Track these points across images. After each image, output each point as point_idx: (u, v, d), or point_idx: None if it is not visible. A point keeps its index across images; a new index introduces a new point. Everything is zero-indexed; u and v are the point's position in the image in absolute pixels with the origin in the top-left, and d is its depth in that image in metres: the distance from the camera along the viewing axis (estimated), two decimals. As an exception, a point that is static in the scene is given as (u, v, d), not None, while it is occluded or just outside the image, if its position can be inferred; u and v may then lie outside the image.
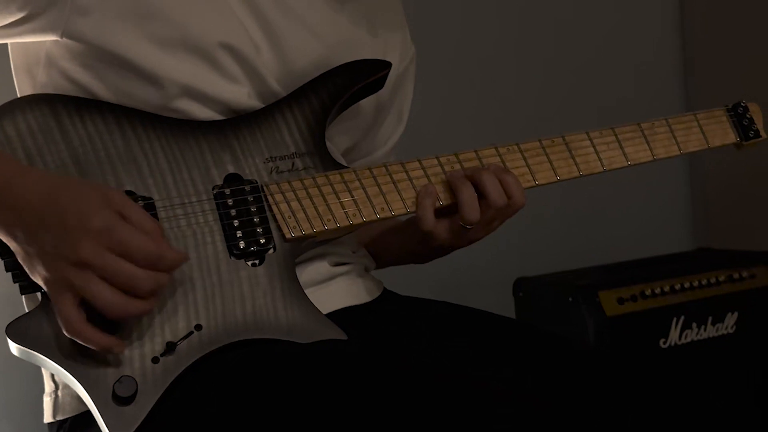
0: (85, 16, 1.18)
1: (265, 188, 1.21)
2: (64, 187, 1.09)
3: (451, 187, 1.29)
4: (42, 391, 1.29)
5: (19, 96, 1.26)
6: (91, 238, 1.05)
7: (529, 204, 1.32)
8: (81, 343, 1.08)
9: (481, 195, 1.27)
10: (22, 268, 1.10)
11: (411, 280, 1.57)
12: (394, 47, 1.42)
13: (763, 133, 1.50)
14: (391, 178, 1.27)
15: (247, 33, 1.25)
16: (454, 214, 1.28)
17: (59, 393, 1.23)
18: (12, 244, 1.09)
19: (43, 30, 1.19)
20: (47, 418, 1.26)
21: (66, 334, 1.08)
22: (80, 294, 1.06)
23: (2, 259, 1.12)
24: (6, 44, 1.26)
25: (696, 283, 2.15)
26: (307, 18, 1.30)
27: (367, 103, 1.35)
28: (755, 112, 1.50)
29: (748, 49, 2.68)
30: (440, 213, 1.28)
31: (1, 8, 1.16)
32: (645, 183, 2.51)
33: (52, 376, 1.24)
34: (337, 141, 1.35)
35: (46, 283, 1.08)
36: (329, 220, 1.23)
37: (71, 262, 1.05)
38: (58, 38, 1.19)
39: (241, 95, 1.25)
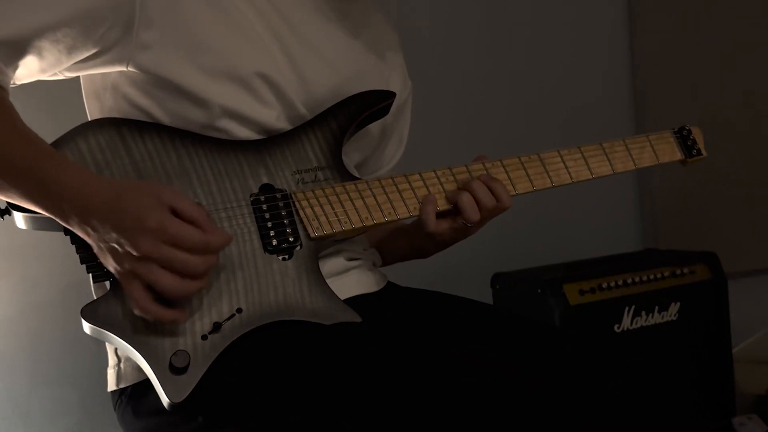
0: (146, 51, 1.19)
1: (293, 196, 1.23)
2: (124, 191, 1.10)
3: (449, 197, 1.30)
4: (102, 364, 1.30)
5: (89, 118, 1.29)
6: (148, 236, 1.06)
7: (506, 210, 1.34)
8: (150, 318, 1.09)
9: (475, 200, 1.29)
10: (95, 260, 1.12)
11: (407, 274, 1.56)
12: (395, 79, 1.44)
13: (704, 152, 1.51)
14: (397, 187, 1.29)
15: (277, 64, 1.26)
16: (454, 216, 1.31)
17: (121, 365, 1.25)
18: (88, 240, 1.11)
19: (112, 62, 1.21)
20: (111, 386, 1.27)
21: (136, 313, 1.09)
22: (145, 281, 1.08)
23: (78, 253, 1.13)
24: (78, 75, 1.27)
25: (645, 278, 2.15)
26: (325, 52, 1.32)
27: (375, 127, 1.38)
28: (697, 134, 1.52)
29: (689, 77, 2.70)
30: (441, 216, 1.30)
31: (80, 45, 1.18)
32: (601, 194, 2.51)
33: (116, 350, 1.26)
34: (351, 157, 1.37)
35: (117, 273, 1.10)
36: (346, 222, 1.24)
37: (134, 257, 1.07)
38: (124, 69, 1.20)
39: (271, 117, 1.26)
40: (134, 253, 1.07)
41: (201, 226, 1.10)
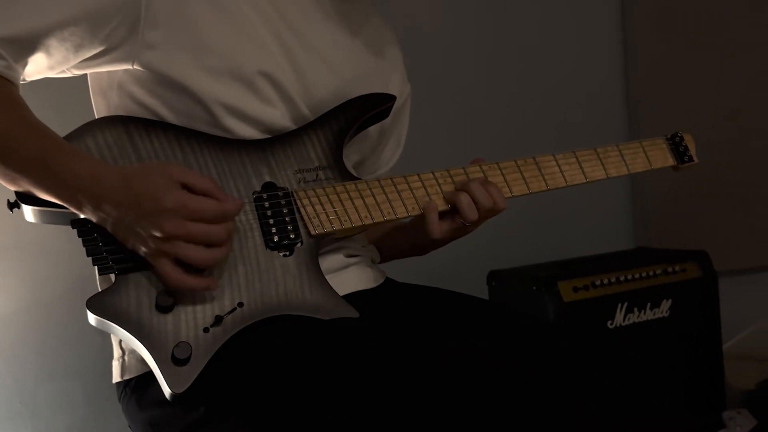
0: (152, 50, 1.20)
1: (294, 194, 1.24)
2: (133, 176, 1.12)
3: (447, 197, 1.31)
4: (107, 358, 1.31)
5: (96, 115, 1.29)
6: (169, 216, 1.09)
7: (502, 210, 1.33)
8: (186, 290, 1.12)
9: (473, 200, 1.30)
10: (102, 254, 1.13)
11: (404, 271, 1.56)
12: (394, 83, 1.44)
13: (695, 158, 1.51)
14: (396, 188, 1.30)
15: (279, 64, 1.26)
16: (453, 217, 1.31)
17: (126, 357, 1.25)
18: (107, 227, 1.13)
19: (118, 61, 1.21)
20: (116, 378, 1.27)
21: (172, 286, 1.12)
22: (174, 257, 1.11)
23: (84, 246, 1.13)
24: (85, 73, 1.28)
25: (637, 276, 2.17)
26: (327, 54, 1.32)
27: (373, 128, 1.38)
28: (689, 141, 1.52)
29: (681, 81, 2.72)
30: (440, 216, 1.30)
31: (87, 43, 1.19)
32: (595, 194, 2.46)
33: (120, 343, 1.27)
34: (350, 158, 1.37)
35: (146, 255, 1.12)
36: (346, 221, 1.25)
37: (160, 237, 1.10)
38: (130, 67, 1.21)
39: (275, 116, 1.26)
40: (159, 235, 1.09)
41: (214, 195, 1.13)
